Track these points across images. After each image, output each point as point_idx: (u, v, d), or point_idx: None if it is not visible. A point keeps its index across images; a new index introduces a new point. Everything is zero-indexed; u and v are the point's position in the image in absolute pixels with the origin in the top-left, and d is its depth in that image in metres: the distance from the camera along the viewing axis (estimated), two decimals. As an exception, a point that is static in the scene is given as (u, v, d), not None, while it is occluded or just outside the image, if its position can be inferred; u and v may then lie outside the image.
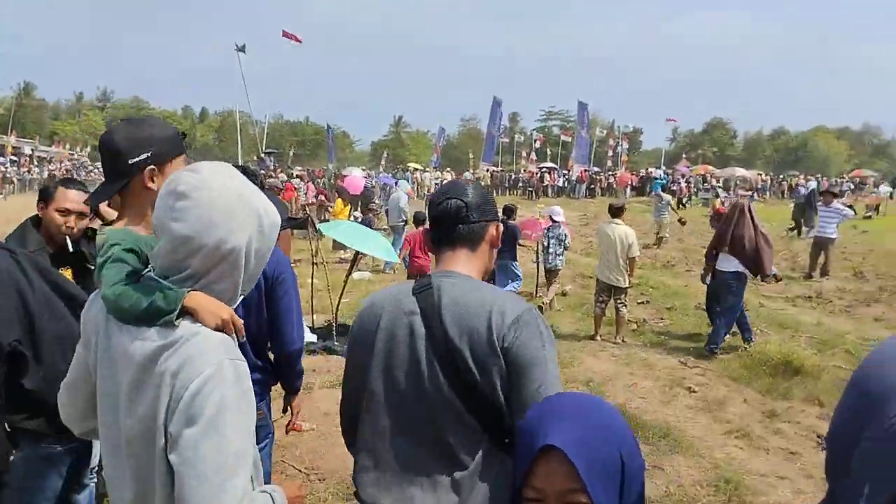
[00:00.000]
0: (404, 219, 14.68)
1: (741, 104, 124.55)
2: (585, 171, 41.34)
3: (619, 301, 8.19)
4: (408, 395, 1.66)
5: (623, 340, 8.13)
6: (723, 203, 29.72)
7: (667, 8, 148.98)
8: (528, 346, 1.57)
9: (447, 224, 1.76)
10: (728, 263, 7.51)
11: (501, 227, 1.86)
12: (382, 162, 49.27)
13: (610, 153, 47.85)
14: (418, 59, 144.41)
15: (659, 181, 31.29)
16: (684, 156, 62.58)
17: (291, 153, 51.15)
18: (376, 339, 1.70)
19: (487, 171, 40.34)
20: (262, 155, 28.06)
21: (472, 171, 43.35)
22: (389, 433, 1.69)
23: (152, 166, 1.65)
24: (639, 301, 10.31)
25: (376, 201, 19.89)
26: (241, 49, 26.93)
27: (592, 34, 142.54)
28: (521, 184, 40.20)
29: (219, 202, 1.35)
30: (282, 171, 27.36)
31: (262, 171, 21.95)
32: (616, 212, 8.36)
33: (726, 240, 7.47)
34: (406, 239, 10.06)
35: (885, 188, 33.59)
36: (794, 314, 9.84)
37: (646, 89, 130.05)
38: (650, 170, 44.11)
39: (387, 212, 16.58)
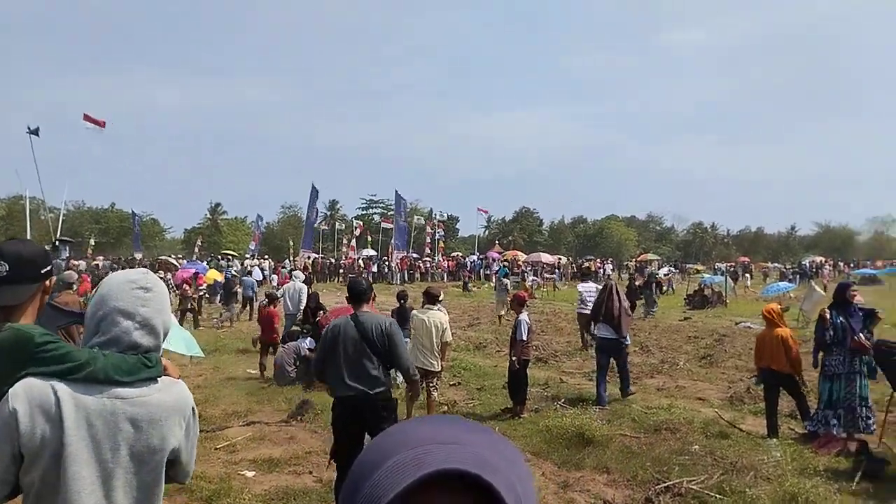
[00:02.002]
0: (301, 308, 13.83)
1: (546, 195, 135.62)
2: (405, 257, 42.42)
3: (430, 385, 8.41)
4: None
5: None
6: (531, 285, 31.82)
7: (480, 108, 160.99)
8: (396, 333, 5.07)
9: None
10: (605, 331, 9.62)
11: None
12: (196, 250, 47.16)
13: (428, 240, 49.62)
14: (240, 147, 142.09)
15: (503, 268, 33.52)
16: (497, 242, 66.48)
17: (92, 241, 47.39)
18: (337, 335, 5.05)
19: (308, 257, 40.06)
20: (56, 243, 25.77)
21: (291, 257, 42.77)
22: (343, 368, 4.99)
23: (52, 276, 2.21)
24: (451, 383, 10.64)
25: (238, 290, 20.17)
26: (34, 132, 25.10)
27: (407, 132, 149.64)
28: (341, 270, 40.30)
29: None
30: (80, 260, 25.33)
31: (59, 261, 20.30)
32: (431, 298, 8.66)
33: (601, 312, 9.63)
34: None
35: (665, 270, 37.79)
36: (590, 388, 10.65)
37: (462, 180, 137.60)
38: (458, 254, 46.46)
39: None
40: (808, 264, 50.35)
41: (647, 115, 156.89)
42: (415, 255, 46.06)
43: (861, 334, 7.41)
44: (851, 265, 61.40)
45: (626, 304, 9.92)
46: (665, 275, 35.15)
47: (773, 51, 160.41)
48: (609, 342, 9.63)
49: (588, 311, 14.52)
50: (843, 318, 7.44)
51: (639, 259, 58.68)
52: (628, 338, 10.21)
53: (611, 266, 52.47)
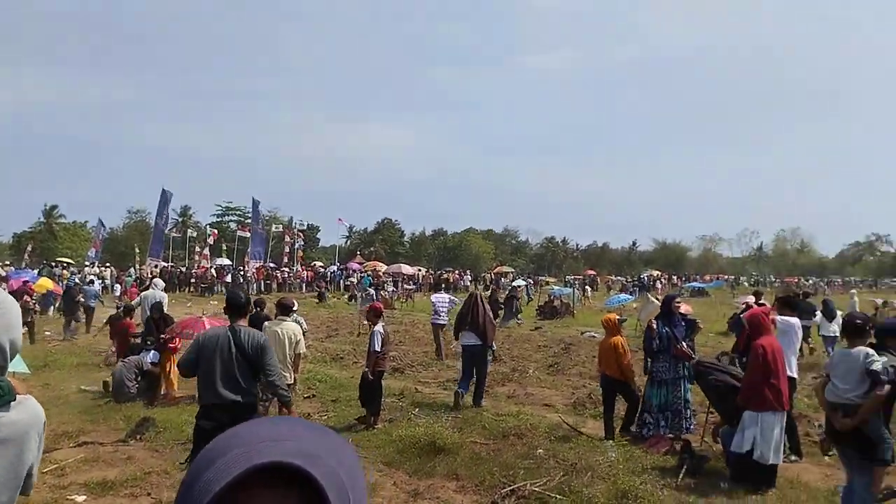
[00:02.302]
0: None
1: (408, 206, 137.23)
2: (261, 266, 41.18)
3: (283, 397, 8.23)
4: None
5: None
6: (391, 296, 31.92)
7: (344, 118, 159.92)
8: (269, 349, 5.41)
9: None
10: (471, 338, 10.04)
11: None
12: (26, 256, 43.03)
13: (287, 249, 48.47)
14: (80, 146, 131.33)
15: (367, 277, 33.49)
16: (358, 252, 66.15)
17: None
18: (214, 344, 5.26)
19: (156, 266, 37.80)
20: None
21: (137, 266, 40.16)
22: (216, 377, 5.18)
23: None
24: (305, 396, 10.47)
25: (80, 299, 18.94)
26: None
27: (267, 140, 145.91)
28: (193, 280, 38.41)
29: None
30: None
31: None
32: (284, 310, 8.50)
33: (467, 320, 10.10)
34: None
35: (519, 282, 39.32)
36: (443, 397, 10.87)
37: (324, 190, 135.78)
38: (318, 264, 45.97)
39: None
40: (646, 277, 54.40)
41: (505, 133, 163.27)
42: (272, 265, 44.81)
43: (683, 342, 8.14)
44: (683, 279, 67.08)
45: (489, 313, 10.49)
46: (519, 286, 36.56)
47: (626, 77, 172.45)
48: (474, 349, 10.08)
49: (441, 321, 15.20)
50: (668, 328, 8.14)
51: (495, 271, 60.63)
52: (493, 345, 10.76)
53: (469, 277, 53.87)
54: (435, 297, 15.80)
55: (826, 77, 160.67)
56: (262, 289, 37.55)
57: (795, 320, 7.69)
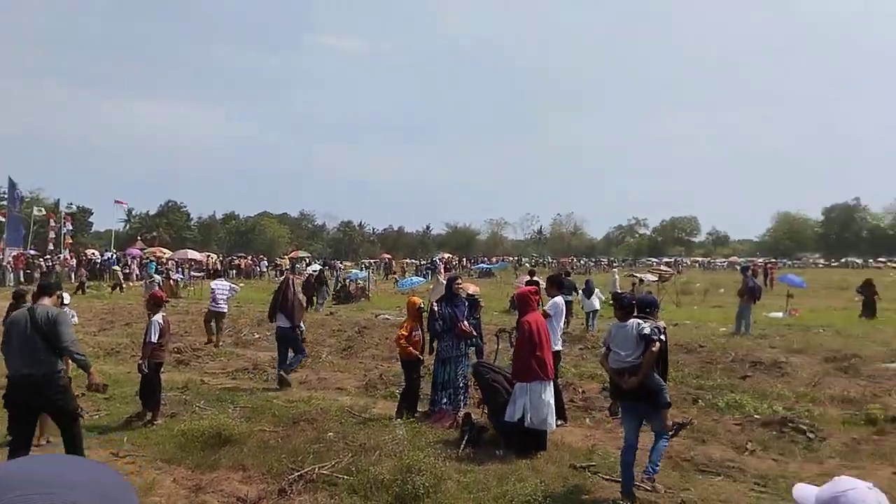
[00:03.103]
0: None
1: (197, 190, 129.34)
2: (21, 254, 36.63)
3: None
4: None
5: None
6: (175, 282, 30.07)
7: (127, 95, 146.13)
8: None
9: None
10: (283, 321, 10.61)
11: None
12: None
13: (52, 235, 43.43)
14: None
15: (152, 263, 31.13)
16: (139, 237, 61.15)
17: None
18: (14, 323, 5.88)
19: None
20: None
21: None
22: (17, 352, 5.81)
23: None
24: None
25: None
26: None
27: (31, 114, 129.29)
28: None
29: None
30: None
31: None
32: (45, 290, 7.63)
33: (279, 302, 10.70)
34: None
35: (315, 266, 38.92)
36: (233, 385, 10.51)
37: (100, 170, 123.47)
38: (92, 251, 42.08)
39: None
40: (438, 260, 56.51)
41: (302, 117, 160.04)
42: (33, 252, 40.00)
43: (466, 322, 8.63)
44: (472, 261, 70.71)
45: (300, 295, 11.39)
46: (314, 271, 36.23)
47: (414, 64, 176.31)
48: (285, 330, 10.64)
49: (219, 309, 14.71)
50: (451, 309, 8.58)
51: (290, 255, 59.41)
52: (302, 325, 11.18)
53: (266, 263, 52.31)
54: (214, 283, 15.23)
55: (596, 70, 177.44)
56: (23, 279, 33.35)
57: (560, 299, 8.49)
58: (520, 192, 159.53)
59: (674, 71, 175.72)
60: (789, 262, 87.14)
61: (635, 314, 6.14)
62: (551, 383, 6.86)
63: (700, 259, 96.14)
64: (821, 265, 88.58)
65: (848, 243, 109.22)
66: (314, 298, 24.21)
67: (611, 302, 26.20)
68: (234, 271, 45.65)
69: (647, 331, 5.87)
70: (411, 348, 8.61)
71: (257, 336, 16.29)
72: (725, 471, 6.56)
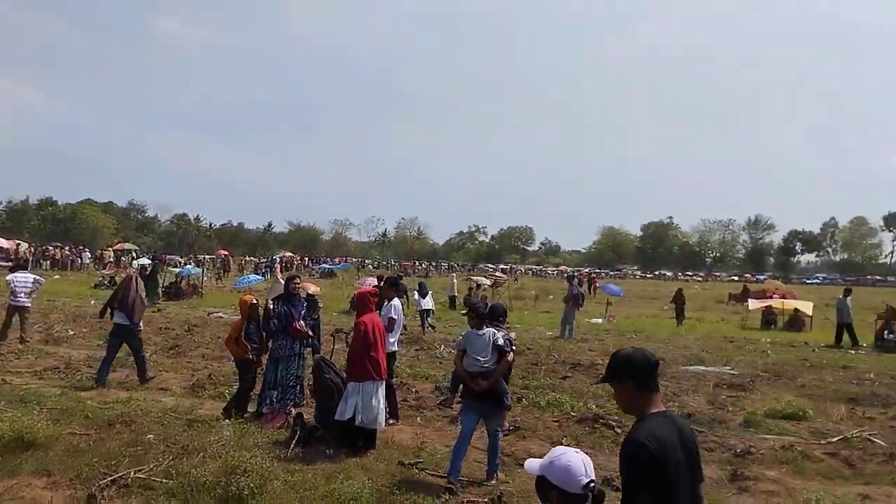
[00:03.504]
0: None
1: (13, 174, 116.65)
2: None
3: None
4: None
5: None
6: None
7: None
8: None
9: None
10: (121, 318, 10.38)
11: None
12: None
13: None
14: None
15: None
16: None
17: None
18: None
19: None
20: None
21: None
22: None
23: None
24: None
25: None
26: None
27: None
28: None
29: None
30: None
31: None
32: None
33: (117, 299, 10.49)
34: None
35: (144, 260, 36.49)
36: (38, 387, 9.63)
37: None
38: None
39: None
40: (278, 259, 55.10)
41: (137, 103, 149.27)
42: None
43: (302, 321, 8.55)
44: (315, 260, 69.69)
45: (142, 293, 10.89)
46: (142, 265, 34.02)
47: (272, 62, 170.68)
48: (124, 328, 10.39)
49: (19, 303, 13.37)
50: (287, 308, 8.47)
51: (115, 248, 55.29)
52: (140, 324, 10.90)
53: (89, 255, 48.28)
54: (12, 276, 13.86)
55: (429, 78, 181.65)
56: None
57: (397, 301, 8.68)
58: (365, 195, 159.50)
59: (511, 89, 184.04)
60: (611, 273, 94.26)
61: (490, 323, 6.70)
62: (383, 383, 6.99)
63: (533, 267, 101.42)
64: (638, 276, 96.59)
65: (661, 258, 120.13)
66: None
67: (446, 303, 27.07)
68: (48, 262, 41.70)
69: (500, 342, 6.48)
70: (241, 347, 8.40)
71: (72, 333, 15.04)
72: (542, 464, 7.03)
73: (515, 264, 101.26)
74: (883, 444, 8.01)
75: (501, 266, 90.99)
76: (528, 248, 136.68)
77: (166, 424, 7.81)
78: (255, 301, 8.83)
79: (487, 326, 6.63)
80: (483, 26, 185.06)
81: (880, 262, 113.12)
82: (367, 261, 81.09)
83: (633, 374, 2.71)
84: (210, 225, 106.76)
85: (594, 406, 9.62)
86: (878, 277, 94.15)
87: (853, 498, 5.90)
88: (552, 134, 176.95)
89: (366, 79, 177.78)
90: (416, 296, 18.73)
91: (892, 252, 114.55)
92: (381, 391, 6.90)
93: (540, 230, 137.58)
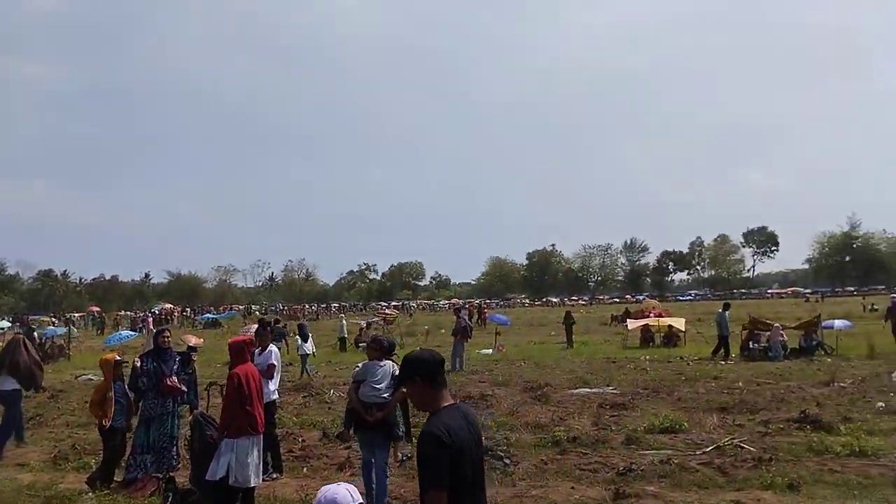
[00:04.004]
0: None
1: None
2: None
3: None
4: None
5: None
6: None
7: None
8: None
9: None
10: (10, 383, 9.93)
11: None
12: None
13: None
14: None
15: None
16: None
17: None
18: None
19: None
20: None
21: None
22: None
23: None
24: None
25: None
26: None
27: None
28: None
29: None
30: None
31: None
32: None
33: (5, 364, 9.96)
34: None
35: (4, 323, 33.59)
36: None
37: None
38: None
39: None
40: (158, 311, 52.30)
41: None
42: None
43: (175, 377, 8.06)
44: (197, 310, 66.63)
45: (35, 356, 10.67)
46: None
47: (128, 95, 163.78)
48: (11, 394, 9.97)
49: None
50: (157, 363, 7.97)
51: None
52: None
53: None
54: None
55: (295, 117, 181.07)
56: None
57: (274, 347, 8.37)
58: (249, 239, 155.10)
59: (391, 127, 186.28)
60: (500, 303, 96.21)
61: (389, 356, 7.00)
62: (260, 437, 6.67)
63: (425, 302, 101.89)
64: (526, 304, 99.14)
65: (547, 285, 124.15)
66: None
67: (336, 345, 26.59)
68: None
69: (398, 373, 6.34)
70: (101, 412, 7.80)
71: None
72: (431, 504, 6.92)
73: (408, 300, 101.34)
74: (752, 449, 8.49)
75: (393, 303, 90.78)
76: (420, 283, 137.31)
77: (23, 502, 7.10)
78: (118, 358, 8.21)
79: (388, 359, 6.90)
80: (352, 56, 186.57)
81: (744, 276, 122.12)
82: (253, 307, 78.39)
83: (423, 372, 3.00)
84: (80, 280, 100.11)
85: (483, 438, 9.63)
86: (744, 291, 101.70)
87: (726, 505, 6.18)
88: (440, 166, 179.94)
89: (230, 114, 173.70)
90: (298, 339, 18.22)
91: (753, 266, 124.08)
92: (258, 446, 6.57)
93: (430, 264, 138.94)
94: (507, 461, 8.35)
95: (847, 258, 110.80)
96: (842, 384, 13.33)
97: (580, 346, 26.31)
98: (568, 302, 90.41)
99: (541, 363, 19.81)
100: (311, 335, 17.99)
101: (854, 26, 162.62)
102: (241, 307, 76.36)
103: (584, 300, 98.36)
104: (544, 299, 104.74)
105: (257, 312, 71.17)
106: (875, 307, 40.76)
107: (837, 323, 23.69)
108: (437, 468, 2.75)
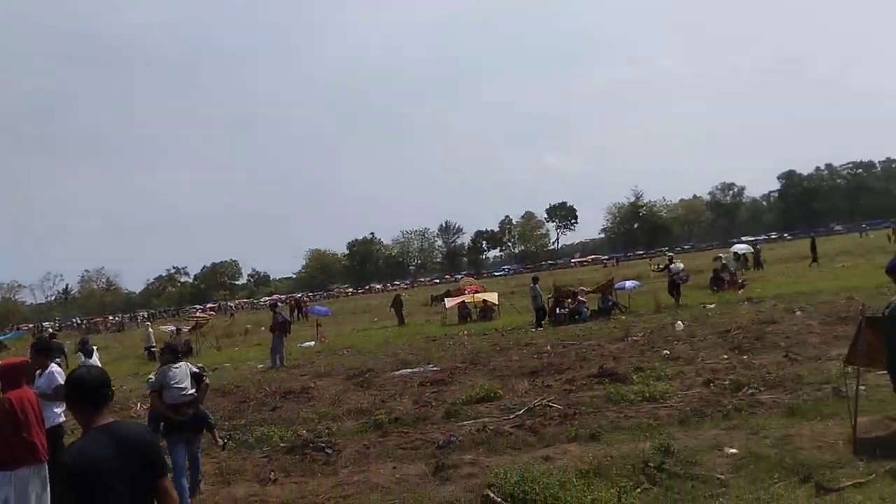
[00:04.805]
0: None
1: None
2: None
3: None
4: None
5: None
6: None
7: None
8: None
9: None
10: None
11: None
12: None
13: None
14: None
15: None
16: None
17: None
18: None
19: None
20: None
21: None
22: None
23: None
24: None
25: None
26: None
27: None
28: None
29: None
30: None
31: None
32: None
33: None
34: None
35: None
36: None
37: None
38: None
39: None
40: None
41: None
42: None
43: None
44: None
45: None
46: None
47: None
48: None
49: None
50: None
51: None
52: None
53: None
54: None
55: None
56: None
57: (55, 366, 7.51)
58: (32, 253, 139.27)
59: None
60: (323, 294, 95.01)
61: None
62: (43, 467, 5.93)
63: (245, 300, 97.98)
64: (350, 293, 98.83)
65: (369, 272, 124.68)
66: None
67: (143, 356, 24.85)
68: None
69: (196, 369, 7.30)
70: None
71: None
72: (249, 507, 6.62)
73: (225, 301, 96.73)
74: (559, 407, 9.05)
75: (209, 305, 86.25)
76: (237, 282, 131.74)
77: None
78: None
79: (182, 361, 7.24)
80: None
81: (550, 248, 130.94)
82: (45, 323, 70.52)
83: (77, 392, 3.00)
84: None
85: (304, 431, 9.40)
86: (551, 262, 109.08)
87: (537, 461, 6.49)
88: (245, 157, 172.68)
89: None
90: (80, 356, 14.50)
91: (557, 239, 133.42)
92: (41, 476, 5.84)
93: (247, 262, 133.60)
94: (329, 451, 8.19)
95: (636, 225, 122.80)
96: (634, 338, 14.68)
97: (400, 328, 26.69)
98: (390, 287, 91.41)
99: (363, 349, 19.79)
100: (95, 350, 14.21)
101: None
102: (30, 326, 68.45)
103: (406, 284, 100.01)
104: (367, 286, 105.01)
105: (50, 329, 64.27)
106: (660, 267, 45.60)
107: (628, 284, 26.17)
108: (63, 496, 2.83)
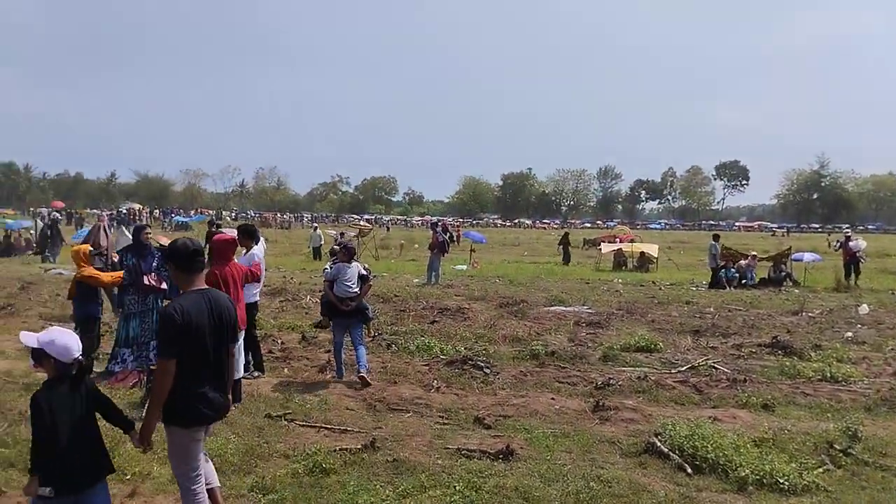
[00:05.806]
0: None
1: None
2: None
3: None
4: None
5: None
6: None
7: None
8: None
9: None
10: None
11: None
12: None
13: None
14: None
15: None
16: None
17: None
18: None
19: None
20: None
21: None
22: None
23: None
24: None
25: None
26: None
27: None
28: None
29: None
30: None
31: None
32: None
33: None
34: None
35: None
36: None
37: None
38: None
39: None
40: (126, 212, 51.39)
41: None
42: None
43: (154, 274, 7.86)
44: (167, 213, 65.62)
45: None
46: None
47: None
48: None
49: None
50: (137, 260, 7.77)
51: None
52: None
53: None
54: None
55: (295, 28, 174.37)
56: None
57: (257, 248, 8.18)
58: (217, 142, 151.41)
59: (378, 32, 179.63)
60: (473, 222, 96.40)
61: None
62: (243, 333, 6.59)
63: (398, 217, 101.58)
64: (499, 225, 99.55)
65: (520, 206, 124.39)
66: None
67: (309, 253, 26.53)
68: None
69: (363, 271, 8.24)
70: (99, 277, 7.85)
71: None
72: (414, 407, 7.00)
73: (380, 215, 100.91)
74: (726, 370, 8.71)
75: (366, 216, 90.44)
76: (393, 199, 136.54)
77: (6, 391, 7.01)
78: (91, 249, 8.06)
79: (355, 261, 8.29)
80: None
81: (713, 207, 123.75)
82: (224, 212, 77.32)
83: (176, 259, 3.56)
84: (44, 175, 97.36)
85: (462, 349, 9.72)
86: (713, 222, 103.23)
87: (704, 420, 6.31)
88: (418, 79, 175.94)
89: (203, 16, 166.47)
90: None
91: (723, 199, 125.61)
92: (240, 342, 6.50)
93: (404, 180, 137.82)
94: (488, 370, 8.44)
95: (815, 196, 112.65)
96: (810, 314, 13.69)
97: (553, 266, 26.58)
98: (539, 225, 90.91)
99: (515, 281, 19.97)
100: (263, 240, 16.64)
101: None
102: (211, 212, 75.35)
103: (556, 224, 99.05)
104: (516, 221, 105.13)
105: (227, 218, 70.42)
106: (839, 243, 41.78)
107: (807, 256, 24.23)
108: (166, 341, 3.39)
